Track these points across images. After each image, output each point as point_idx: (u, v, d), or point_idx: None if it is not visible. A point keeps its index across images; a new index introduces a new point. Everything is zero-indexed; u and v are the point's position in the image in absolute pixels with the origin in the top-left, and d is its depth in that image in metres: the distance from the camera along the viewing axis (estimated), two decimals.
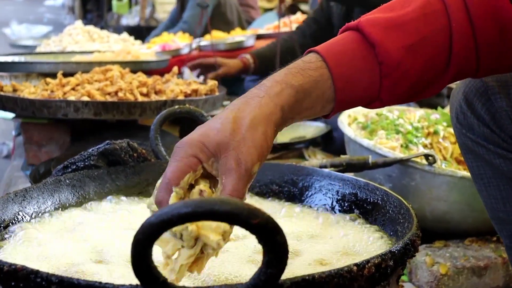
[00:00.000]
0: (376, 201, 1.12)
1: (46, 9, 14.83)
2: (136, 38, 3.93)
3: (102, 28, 4.32)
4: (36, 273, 0.69)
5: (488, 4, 0.90)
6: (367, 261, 0.76)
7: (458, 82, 1.23)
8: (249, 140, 0.83)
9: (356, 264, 0.74)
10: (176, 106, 1.34)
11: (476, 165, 1.21)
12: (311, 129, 2.49)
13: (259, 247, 0.62)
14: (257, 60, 2.93)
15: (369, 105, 0.96)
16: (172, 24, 4.70)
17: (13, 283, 0.73)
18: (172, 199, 0.82)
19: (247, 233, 0.60)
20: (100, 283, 0.66)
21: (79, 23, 3.85)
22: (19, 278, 0.71)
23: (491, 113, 1.15)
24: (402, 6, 0.92)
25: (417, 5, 0.92)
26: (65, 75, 2.08)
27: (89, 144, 1.92)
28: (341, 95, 0.91)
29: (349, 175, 1.24)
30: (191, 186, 0.85)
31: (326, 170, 1.28)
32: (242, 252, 0.95)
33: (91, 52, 2.98)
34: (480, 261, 1.52)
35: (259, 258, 0.88)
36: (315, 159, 2.20)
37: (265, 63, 2.86)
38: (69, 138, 1.95)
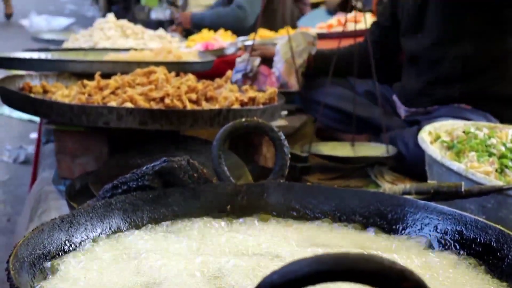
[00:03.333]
0: (489, 242, 1.03)
1: (68, 0, 15.00)
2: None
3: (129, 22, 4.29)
4: None
5: None
6: None
7: None
8: None
9: None
10: (243, 119, 1.26)
11: None
12: (373, 150, 2.34)
13: None
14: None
15: None
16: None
17: None
18: None
19: None
20: None
21: (111, 16, 3.81)
22: None
23: None
24: None
25: None
26: (102, 76, 2.02)
27: (129, 157, 1.85)
28: None
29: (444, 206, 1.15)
30: None
31: (421, 201, 1.19)
32: None
33: (127, 50, 2.92)
34: None
35: None
36: (384, 181, 2.11)
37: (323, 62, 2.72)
38: (107, 149, 1.88)
